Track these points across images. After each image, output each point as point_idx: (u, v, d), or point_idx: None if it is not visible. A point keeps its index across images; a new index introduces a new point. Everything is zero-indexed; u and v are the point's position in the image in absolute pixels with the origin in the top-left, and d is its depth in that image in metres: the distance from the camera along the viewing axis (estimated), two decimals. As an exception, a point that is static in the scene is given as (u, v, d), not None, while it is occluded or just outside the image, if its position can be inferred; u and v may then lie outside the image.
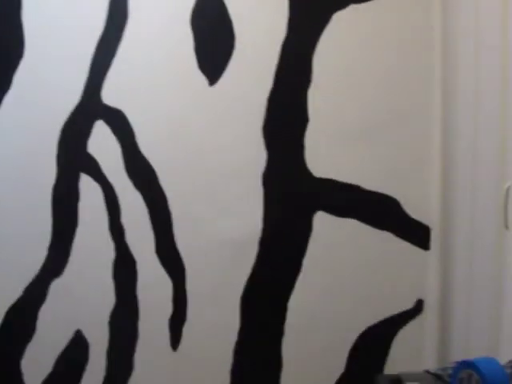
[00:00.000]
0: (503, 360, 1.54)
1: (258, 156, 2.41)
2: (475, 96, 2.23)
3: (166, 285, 2.43)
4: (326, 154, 2.44)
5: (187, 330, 2.45)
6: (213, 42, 2.38)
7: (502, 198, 1.98)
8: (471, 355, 1.56)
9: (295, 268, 2.46)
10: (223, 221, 2.42)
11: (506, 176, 2.00)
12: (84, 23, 2.40)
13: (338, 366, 2.48)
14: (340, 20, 2.43)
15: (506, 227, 1.91)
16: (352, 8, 2.43)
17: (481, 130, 2.21)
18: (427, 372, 1.68)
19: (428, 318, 2.50)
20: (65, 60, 2.46)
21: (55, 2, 2.34)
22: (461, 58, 2.32)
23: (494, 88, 2.13)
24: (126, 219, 2.40)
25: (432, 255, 2.50)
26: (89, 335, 2.49)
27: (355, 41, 2.45)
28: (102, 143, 2.46)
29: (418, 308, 2.51)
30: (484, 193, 2.21)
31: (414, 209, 2.47)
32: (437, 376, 1.61)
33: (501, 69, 2.09)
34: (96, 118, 2.45)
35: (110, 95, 2.33)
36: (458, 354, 2.31)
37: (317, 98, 2.42)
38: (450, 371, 1.50)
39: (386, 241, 2.48)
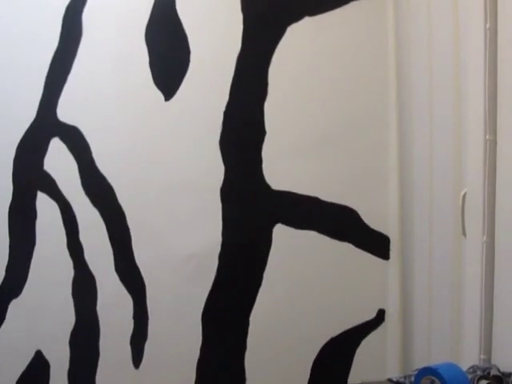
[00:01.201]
0: (465, 366, 1.56)
1: (215, 170, 2.41)
2: (429, 105, 2.26)
3: (127, 302, 2.43)
4: (283, 167, 2.44)
5: (149, 347, 2.44)
6: (168, 57, 2.39)
7: (459, 205, 1.99)
8: (433, 362, 1.58)
9: (256, 281, 2.46)
10: (182, 236, 2.42)
11: (461, 184, 2.02)
12: (38, 39, 2.40)
13: (302, 377, 2.49)
14: (295, 32, 2.44)
15: (464, 234, 1.93)
16: (307, 20, 2.45)
17: (436, 139, 2.24)
18: (390, 380, 1.70)
19: (390, 328, 2.52)
20: (19, 77, 2.46)
21: (8, 18, 2.30)
22: (415, 67, 2.35)
23: (447, 97, 2.16)
24: (84, 236, 2.39)
25: (392, 265, 2.52)
26: (49, 355, 2.48)
27: (310, 53, 2.46)
28: (58, 160, 2.46)
29: (379, 318, 2.53)
30: (441, 201, 2.23)
31: (372, 219, 2.49)
32: (399, 383, 1.63)
33: (453, 77, 2.12)
34: (52, 135, 2.45)
35: (65, 112, 2.32)
36: (420, 362, 2.31)
37: (273, 111, 2.43)
38: (413, 378, 1.51)
39: (346, 252, 2.49)
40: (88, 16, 2.38)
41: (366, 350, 2.52)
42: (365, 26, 2.48)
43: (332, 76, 2.47)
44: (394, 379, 1.69)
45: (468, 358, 1.82)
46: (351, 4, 2.48)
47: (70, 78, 2.29)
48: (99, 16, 2.38)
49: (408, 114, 2.38)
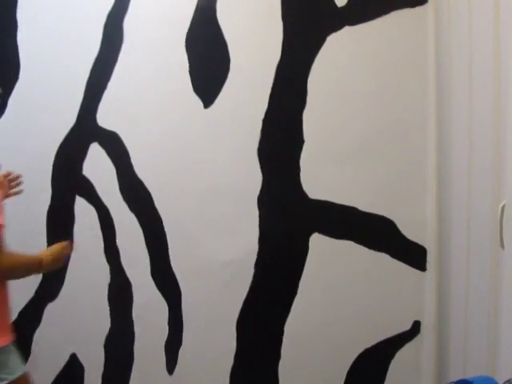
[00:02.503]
0: (500, 379, 1.56)
1: (253, 178, 2.43)
2: (469, 115, 2.24)
3: (162, 308, 2.45)
4: (321, 176, 2.45)
5: (183, 353, 2.46)
6: (208, 65, 2.40)
7: (497, 217, 1.98)
8: (469, 375, 1.58)
9: (291, 290, 2.46)
10: (219, 243, 2.44)
11: (500, 195, 2.00)
12: (79, 46, 2.43)
13: (336, 388, 2.44)
14: (335, 41, 2.45)
15: (502, 247, 1.92)
16: (347, 29, 2.45)
17: (475, 150, 2.22)
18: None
19: (425, 339, 2.51)
20: (60, 83, 2.51)
21: (51, 25, 2.35)
22: (455, 76, 2.34)
23: (487, 107, 2.15)
24: (121, 241, 2.42)
25: (428, 276, 2.51)
26: (84, 359, 2.51)
27: (350, 62, 2.46)
28: (97, 165, 2.50)
29: (415, 329, 2.52)
30: (479, 213, 2.21)
31: (410, 230, 2.48)
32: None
33: (494, 88, 2.11)
34: (91, 140, 2.48)
35: (104, 117, 2.35)
36: (455, 375, 2.31)
37: (312, 120, 2.44)
38: None
39: (383, 262, 2.48)
40: (129, 23, 2.41)
41: (400, 361, 2.52)
42: (405, 36, 2.48)
43: (371, 85, 2.46)
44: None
45: (504, 372, 1.80)
46: (392, 14, 2.48)
47: (110, 84, 2.31)
48: (140, 23, 2.41)
49: (447, 123, 2.37)
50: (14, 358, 2.07)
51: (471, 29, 2.21)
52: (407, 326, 2.52)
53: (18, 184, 2.19)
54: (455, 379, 1.52)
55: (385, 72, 2.47)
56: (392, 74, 2.47)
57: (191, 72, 2.40)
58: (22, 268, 2.08)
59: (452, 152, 2.35)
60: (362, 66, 2.47)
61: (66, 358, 2.51)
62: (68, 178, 2.53)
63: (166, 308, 2.44)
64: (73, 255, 2.43)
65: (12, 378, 2.04)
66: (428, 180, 2.48)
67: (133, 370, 2.44)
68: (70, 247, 2.18)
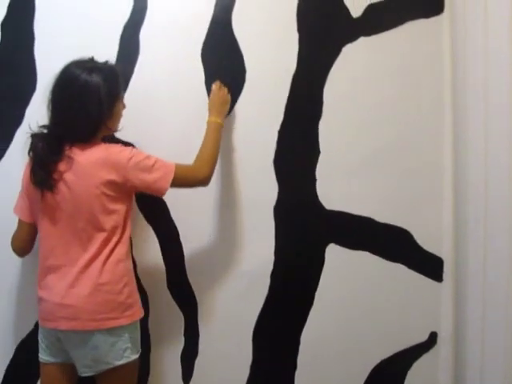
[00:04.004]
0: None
1: (269, 188, 2.47)
2: (486, 125, 2.30)
3: (178, 318, 2.47)
4: (337, 187, 2.49)
5: (199, 364, 2.49)
6: (223, 76, 2.42)
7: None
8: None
9: (307, 301, 2.51)
10: (235, 253, 2.47)
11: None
12: (95, 57, 2.42)
13: (352, 399, 2.46)
14: (350, 52, 2.50)
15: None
16: (362, 40, 2.51)
17: (492, 160, 2.28)
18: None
19: (442, 351, 2.54)
20: None
21: (67, 37, 2.39)
22: (471, 86, 2.39)
23: (504, 117, 2.19)
24: (137, 252, 2.42)
25: (445, 287, 2.55)
26: (100, 370, 2.48)
27: (365, 73, 2.51)
28: None
29: (431, 340, 2.55)
30: (496, 223, 2.27)
31: (426, 241, 2.53)
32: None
33: (510, 97, 2.14)
34: None
35: (122, 130, 2.34)
36: (472, 384, 2.33)
37: (328, 130, 2.48)
38: None
39: (399, 273, 2.53)
40: (145, 35, 2.44)
41: (417, 372, 2.55)
42: (420, 46, 2.54)
43: (386, 96, 2.52)
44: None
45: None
46: (407, 24, 2.54)
47: (127, 95, 2.32)
48: (156, 35, 2.44)
49: (463, 133, 2.41)
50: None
51: (487, 39, 2.26)
52: (424, 337, 2.56)
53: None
54: None
55: (400, 82, 2.52)
56: (407, 85, 2.53)
57: (207, 84, 2.43)
58: (214, 153, 2.21)
59: (468, 162, 2.40)
60: (378, 76, 2.52)
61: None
62: None
63: (182, 318, 2.46)
64: None
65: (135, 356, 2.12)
66: (444, 190, 2.53)
67: (149, 381, 2.45)
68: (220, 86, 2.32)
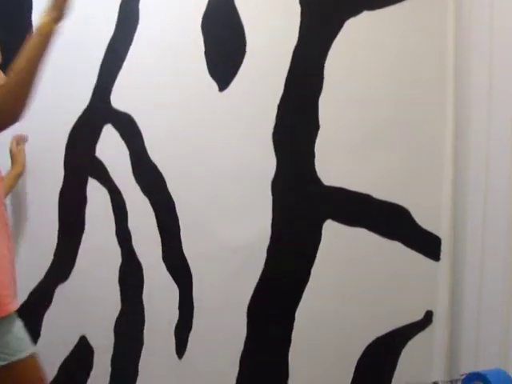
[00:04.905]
0: (513, 373, 1.58)
1: (267, 163, 2.44)
2: (489, 100, 2.28)
3: (173, 292, 2.47)
4: (336, 162, 2.47)
5: (193, 337, 2.49)
6: (224, 47, 2.42)
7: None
8: (481, 367, 1.61)
9: (303, 277, 2.49)
10: (231, 227, 2.46)
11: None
12: (94, 26, 2.46)
13: (345, 376, 2.50)
14: (352, 27, 2.46)
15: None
16: (365, 14, 2.46)
17: (494, 138, 2.27)
18: (435, 383, 1.70)
19: (437, 330, 2.52)
20: (74, 63, 2.54)
21: None
22: (474, 61, 2.37)
23: (509, 91, 2.18)
24: (133, 224, 2.45)
25: (442, 266, 2.51)
26: (94, 341, 2.56)
27: (368, 47, 2.48)
28: (110, 147, 2.53)
29: (427, 319, 2.53)
30: (497, 202, 2.26)
31: (424, 219, 2.48)
32: (445, 387, 1.64)
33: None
34: (105, 121, 2.52)
35: (119, 99, 2.38)
36: (467, 366, 2.32)
37: (328, 105, 2.45)
38: (460, 383, 1.52)
39: (396, 251, 2.49)
40: (145, 3, 2.43)
41: (411, 351, 2.53)
42: (424, 22, 2.48)
43: (388, 72, 2.48)
44: (440, 383, 1.69)
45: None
46: None
47: (125, 64, 2.32)
48: (156, 3, 2.43)
49: (466, 110, 2.40)
50: (19, 333, 1.85)
51: (493, 13, 2.24)
52: (419, 316, 2.53)
53: None
54: (467, 371, 1.54)
55: (403, 58, 2.48)
56: (410, 60, 2.48)
57: (207, 54, 2.42)
58: (25, 71, 1.64)
59: (470, 140, 2.38)
60: (380, 51, 2.48)
61: (76, 340, 2.55)
62: (81, 159, 2.57)
63: (177, 292, 2.46)
64: (84, 237, 2.46)
65: (14, 358, 1.81)
66: (444, 168, 2.48)
67: (142, 354, 2.47)
68: None
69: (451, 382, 1.69)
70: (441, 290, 2.52)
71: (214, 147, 2.38)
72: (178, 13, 2.44)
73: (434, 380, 1.82)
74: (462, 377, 1.53)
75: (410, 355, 2.54)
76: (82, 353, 2.51)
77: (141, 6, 2.43)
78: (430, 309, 2.54)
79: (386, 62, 2.49)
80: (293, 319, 2.50)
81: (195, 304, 2.47)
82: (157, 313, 2.49)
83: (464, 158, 2.42)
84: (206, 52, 2.42)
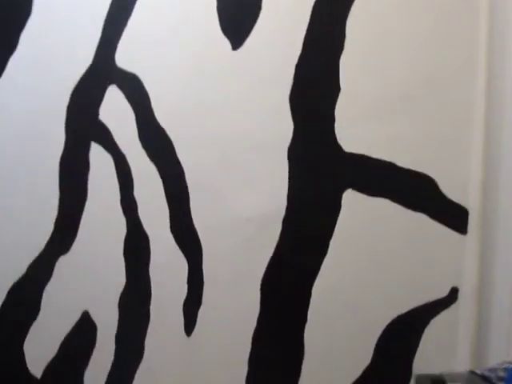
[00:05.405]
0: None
1: (283, 127, 2.36)
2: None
3: (181, 265, 2.41)
4: (358, 127, 2.38)
5: (202, 314, 2.43)
6: (237, 3, 2.34)
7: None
8: (512, 353, 1.53)
9: (321, 250, 2.42)
10: (244, 197, 2.40)
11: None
12: None
13: (364, 357, 2.41)
14: (376, -18, 2.43)
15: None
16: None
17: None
18: (473, 373, 1.59)
19: (463, 308, 2.47)
20: (75, 19, 2.47)
21: None
22: (509, 23, 2.27)
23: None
24: (138, 193, 2.40)
25: (470, 240, 2.41)
26: (97, 317, 2.50)
27: (392, 4, 2.37)
28: (114, 110, 2.47)
29: (452, 296, 2.47)
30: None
31: (451, 189, 2.40)
32: (484, 378, 1.51)
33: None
34: (109, 82, 2.48)
35: (124, 58, 2.38)
36: (497, 350, 2.25)
37: (350, 67, 2.37)
38: (501, 373, 1.40)
39: (420, 223, 2.40)
40: None
41: (435, 330, 2.49)
42: None
43: (415, 31, 2.38)
44: (479, 372, 1.56)
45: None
46: None
47: (131, 21, 2.34)
48: None
49: (499, 74, 2.31)
50: None
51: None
52: (444, 293, 2.44)
53: None
54: (496, 358, 1.43)
55: (430, 15, 2.37)
56: (438, 19, 2.38)
57: (219, 10, 2.35)
58: None
59: (503, 105, 2.28)
60: (406, 8, 2.37)
61: (78, 315, 2.53)
62: (83, 122, 2.51)
63: (186, 265, 2.41)
64: (87, 206, 2.44)
65: None
66: (474, 135, 2.38)
67: (148, 330, 2.43)
68: None
69: (490, 371, 1.55)
70: (468, 266, 2.43)
71: (226, 110, 2.32)
72: (187, -35, 2.41)
73: (457, 363, 1.68)
74: (504, 366, 1.39)
75: (433, 335, 2.48)
76: (85, 329, 2.48)
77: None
78: (455, 285, 2.45)
79: (413, 20, 2.38)
80: (309, 295, 2.43)
81: (205, 278, 2.40)
82: (164, 287, 2.43)
83: (496, 124, 2.32)
84: (218, 7, 2.34)
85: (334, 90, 2.37)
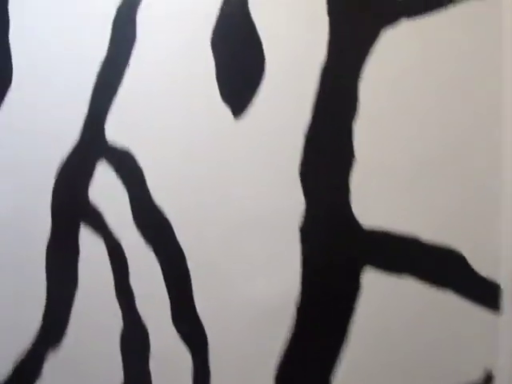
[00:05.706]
0: None
1: (294, 204, 2.26)
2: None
3: (185, 360, 2.29)
4: (376, 200, 2.27)
5: (211, 412, 2.45)
6: (238, 67, 2.25)
7: None
8: None
9: (340, 336, 2.30)
10: (253, 282, 2.28)
11: None
12: (84, 47, 2.39)
13: None
14: (390, 38, 2.26)
15: None
16: (404, 23, 2.26)
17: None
18: None
19: (499, 394, 2.41)
20: (61, 90, 2.39)
21: (49, 20, 2.33)
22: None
23: None
24: (135, 280, 2.30)
25: (504, 318, 2.30)
26: (92, 420, 2.46)
27: (409, 63, 2.27)
28: (105, 189, 2.39)
29: (486, 380, 2.37)
30: None
31: (481, 264, 2.27)
32: None
33: None
34: (98, 158, 2.45)
35: (115, 131, 2.24)
36: None
37: (365, 133, 2.27)
38: None
39: (449, 302, 2.28)
40: (143, 18, 2.29)
41: None
42: (474, 31, 2.26)
43: (435, 92, 2.27)
44: None
45: None
46: (459, 4, 2.26)
47: (122, 91, 2.28)
48: (157, 18, 2.28)
49: None
50: None
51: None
52: (477, 376, 2.27)
53: None
54: None
55: (451, 76, 2.27)
56: (459, 79, 2.28)
57: (218, 76, 2.26)
58: None
59: None
60: (424, 67, 2.27)
61: None
62: (71, 204, 2.42)
63: (190, 360, 2.29)
64: (77, 297, 2.37)
65: None
66: (503, 205, 2.27)
67: None
68: None
69: None
70: (502, 347, 2.31)
71: (229, 187, 2.22)
72: (182, 28, 2.28)
73: None
74: None
75: (467, 425, 2.38)
76: (79, 434, 2.27)
77: (138, 21, 2.35)
78: (489, 369, 2.31)
79: (431, 79, 2.27)
80: (329, 387, 2.46)
81: (212, 374, 2.27)
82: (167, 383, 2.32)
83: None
84: (217, 73, 2.26)
85: (348, 159, 2.28)
